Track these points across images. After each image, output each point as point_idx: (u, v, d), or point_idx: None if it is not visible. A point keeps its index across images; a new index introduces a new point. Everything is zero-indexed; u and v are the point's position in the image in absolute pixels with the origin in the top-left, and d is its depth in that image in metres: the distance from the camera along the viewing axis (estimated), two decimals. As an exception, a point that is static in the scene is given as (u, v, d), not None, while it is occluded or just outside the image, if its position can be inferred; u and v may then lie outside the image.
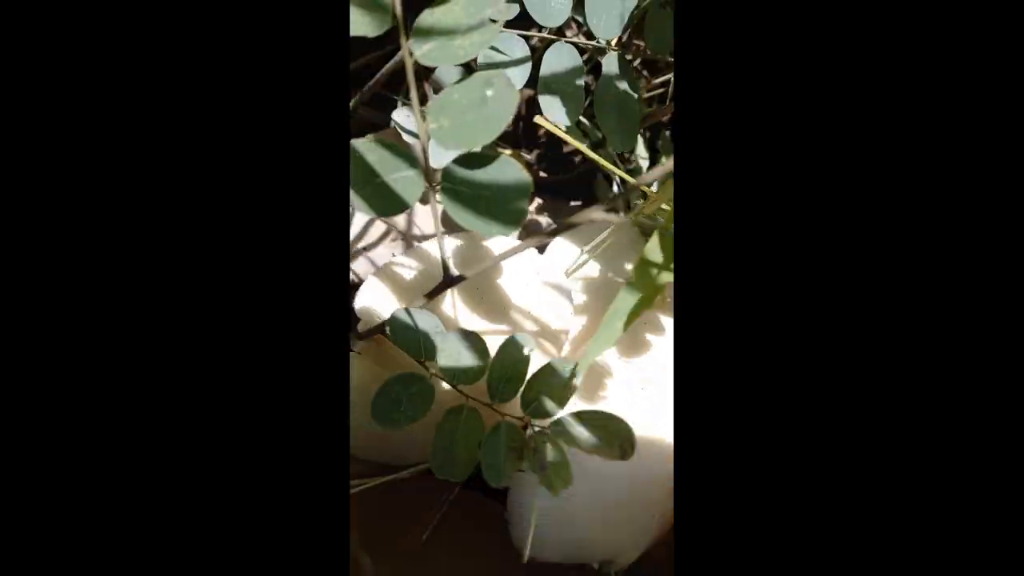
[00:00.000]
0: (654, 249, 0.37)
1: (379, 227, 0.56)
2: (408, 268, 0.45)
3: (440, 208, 0.34)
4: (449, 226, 0.58)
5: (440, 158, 0.36)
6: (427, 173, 0.32)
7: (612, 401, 0.48)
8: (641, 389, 0.51)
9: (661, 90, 0.58)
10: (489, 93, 0.28)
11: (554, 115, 0.43)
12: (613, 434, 0.36)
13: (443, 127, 0.30)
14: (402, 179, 0.31)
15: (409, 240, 0.57)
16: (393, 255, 0.57)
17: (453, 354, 0.37)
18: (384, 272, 0.45)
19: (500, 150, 0.61)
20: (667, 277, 0.38)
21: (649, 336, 0.55)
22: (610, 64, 0.44)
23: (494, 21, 0.29)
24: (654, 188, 0.43)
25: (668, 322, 0.54)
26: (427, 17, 0.30)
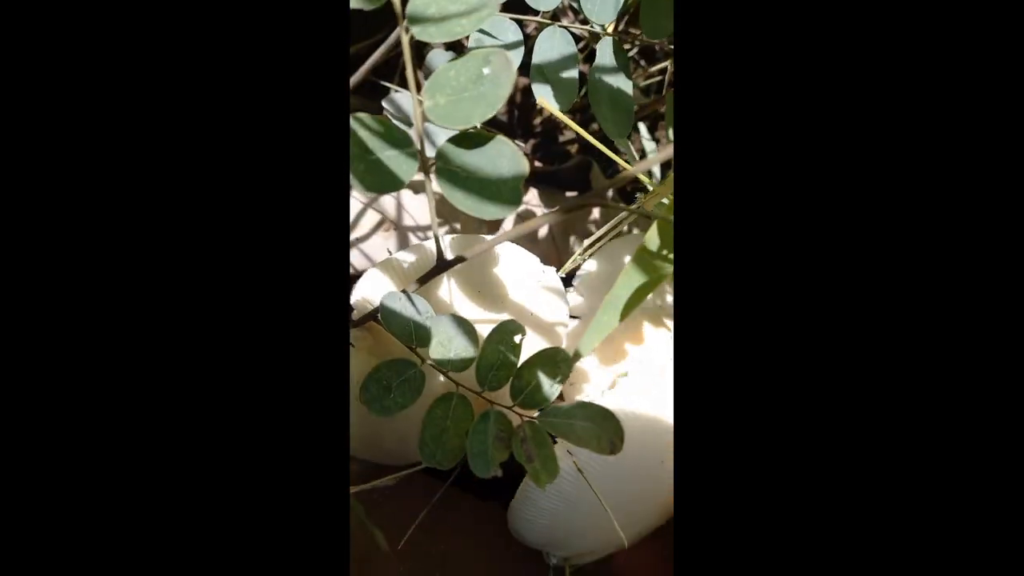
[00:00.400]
0: (654, 238, 0.38)
1: (372, 217, 0.57)
2: (406, 262, 0.46)
3: (435, 197, 0.34)
4: (444, 216, 0.58)
5: (435, 146, 0.37)
6: (422, 153, 0.32)
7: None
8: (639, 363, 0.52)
9: (659, 78, 0.59)
10: (486, 71, 0.29)
11: (547, 99, 0.43)
12: (603, 428, 0.37)
13: (439, 104, 0.30)
14: (396, 156, 0.31)
15: (402, 231, 0.57)
16: (389, 252, 0.58)
17: (444, 340, 0.38)
18: (382, 266, 0.46)
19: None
20: (667, 267, 0.38)
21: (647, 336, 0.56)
22: (604, 51, 0.45)
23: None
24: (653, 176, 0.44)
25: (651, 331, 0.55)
26: (424, -7, 0.30)
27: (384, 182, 0.31)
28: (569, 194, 0.63)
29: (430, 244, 0.46)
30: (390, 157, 0.31)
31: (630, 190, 0.63)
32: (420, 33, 0.30)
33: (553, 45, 0.43)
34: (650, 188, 0.43)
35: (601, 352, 0.57)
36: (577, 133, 0.44)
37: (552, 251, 0.63)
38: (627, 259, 0.55)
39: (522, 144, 0.64)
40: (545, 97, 0.44)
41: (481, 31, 0.41)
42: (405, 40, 0.30)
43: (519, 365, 0.39)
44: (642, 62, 0.64)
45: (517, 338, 0.39)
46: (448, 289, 0.45)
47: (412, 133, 0.32)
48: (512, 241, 0.45)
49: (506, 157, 0.31)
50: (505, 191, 0.31)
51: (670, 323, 0.60)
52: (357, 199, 0.57)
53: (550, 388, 0.38)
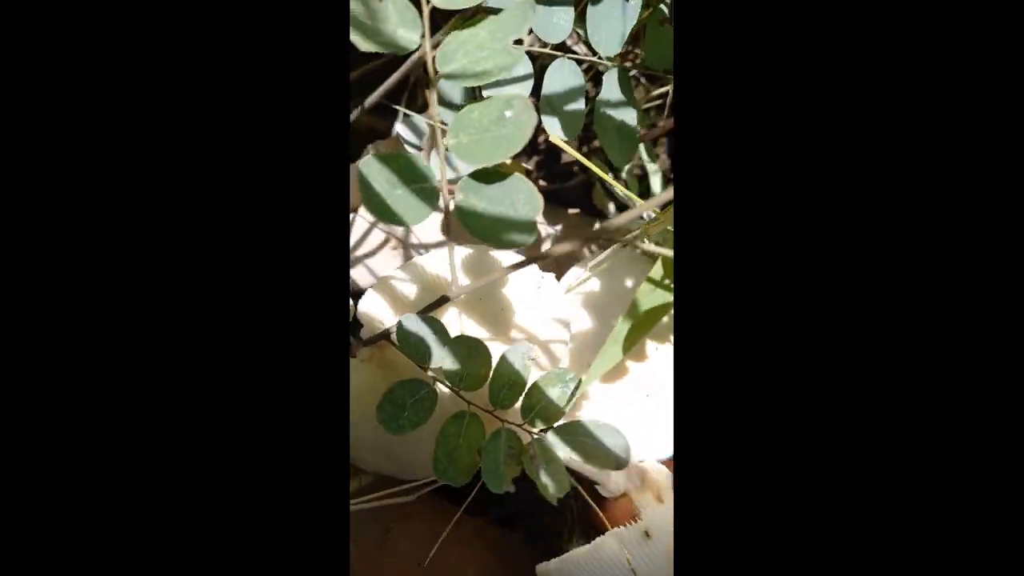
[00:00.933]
0: (659, 271, 0.41)
1: (378, 235, 0.60)
2: (411, 278, 0.49)
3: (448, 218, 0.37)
4: (454, 236, 0.61)
5: (450, 172, 0.40)
6: (443, 185, 0.35)
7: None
8: (646, 396, 0.56)
9: (659, 102, 0.62)
10: (508, 114, 0.32)
11: (555, 130, 0.46)
12: (609, 445, 0.40)
13: (462, 143, 0.33)
14: (418, 191, 0.35)
15: (408, 249, 0.60)
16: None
17: (457, 361, 0.41)
18: (387, 282, 0.49)
19: (499, 158, 0.65)
20: (671, 298, 0.42)
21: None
22: (610, 80, 0.48)
23: (518, 44, 0.33)
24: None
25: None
26: (453, 40, 0.33)
27: (409, 215, 0.34)
28: (571, 211, 0.66)
29: (423, 260, 0.49)
30: (413, 192, 0.34)
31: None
32: (450, 77, 0.33)
33: (561, 76, 0.46)
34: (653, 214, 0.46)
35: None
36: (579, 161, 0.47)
37: (555, 270, 0.66)
38: (625, 278, 0.58)
39: (526, 162, 0.68)
40: (553, 125, 0.47)
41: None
42: (433, 87, 0.33)
43: (529, 385, 0.42)
44: (642, 79, 0.68)
45: (528, 359, 0.42)
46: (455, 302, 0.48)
47: (426, 158, 0.35)
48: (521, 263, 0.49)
49: (522, 193, 0.34)
50: (520, 224, 0.35)
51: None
52: (363, 218, 0.60)
53: (559, 407, 0.41)
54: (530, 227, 0.35)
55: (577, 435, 0.41)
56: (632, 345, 0.41)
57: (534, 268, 0.51)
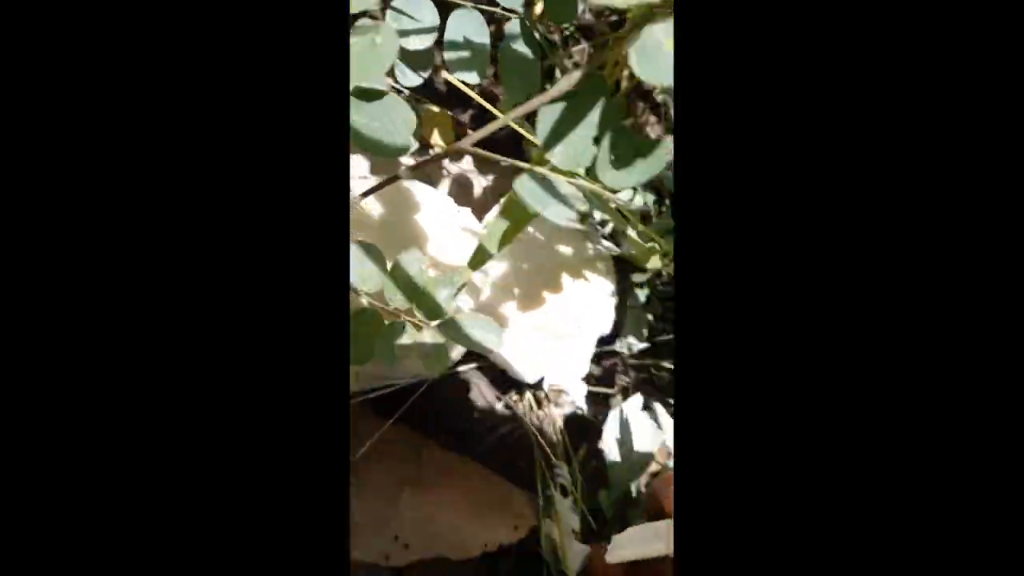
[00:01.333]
0: (520, 186, 0.49)
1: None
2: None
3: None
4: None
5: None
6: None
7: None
8: (578, 327, 0.64)
9: (576, 59, 0.69)
10: (378, 40, 0.40)
11: (456, 71, 0.53)
12: (482, 333, 0.48)
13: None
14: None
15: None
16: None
17: (355, 265, 0.49)
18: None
19: (429, 107, 0.72)
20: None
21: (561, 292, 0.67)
22: (513, 28, 0.55)
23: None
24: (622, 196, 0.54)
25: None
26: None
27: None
28: (503, 162, 0.74)
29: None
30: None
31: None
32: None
33: (463, 23, 0.53)
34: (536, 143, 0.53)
35: (521, 300, 0.68)
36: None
37: (487, 210, 0.74)
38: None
39: (460, 114, 0.75)
40: (458, 68, 0.54)
41: (398, 9, 0.52)
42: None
43: (423, 285, 0.50)
44: (557, 39, 0.74)
45: (422, 264, 0.49)
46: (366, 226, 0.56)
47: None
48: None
49: (398, 111, 0.42)
50: (397, 138, 0.42)
51: (589, 274, 0.71)
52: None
53: (447, 302, 0.49)
54: (405, 141, 0.43)
55: (458, 327, 0.49)
56: (506, 243, 0.49)
57: (450, 201, 0.59)
